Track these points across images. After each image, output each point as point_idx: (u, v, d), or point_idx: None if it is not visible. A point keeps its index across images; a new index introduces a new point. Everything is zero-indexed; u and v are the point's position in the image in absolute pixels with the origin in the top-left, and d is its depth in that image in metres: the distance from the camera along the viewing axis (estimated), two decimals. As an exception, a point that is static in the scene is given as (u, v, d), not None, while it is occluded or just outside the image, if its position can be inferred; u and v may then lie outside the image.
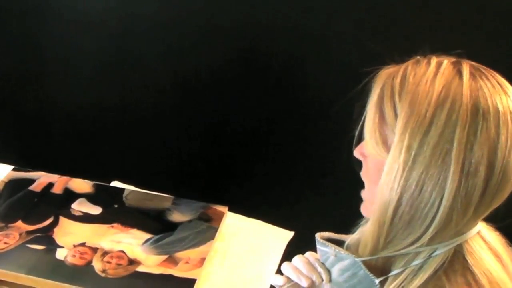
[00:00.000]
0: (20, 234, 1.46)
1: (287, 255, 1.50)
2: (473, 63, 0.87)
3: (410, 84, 0.84)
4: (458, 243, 0.87)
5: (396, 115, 0.84)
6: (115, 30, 1.93)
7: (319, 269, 1.00)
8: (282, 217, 1.58)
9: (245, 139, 2.02)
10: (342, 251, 0.94)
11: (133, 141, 2.11)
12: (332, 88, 1.74)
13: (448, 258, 0.87)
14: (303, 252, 1.10)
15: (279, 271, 1.43)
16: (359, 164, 0.97)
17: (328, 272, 0.99)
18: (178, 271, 1.39)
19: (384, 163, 0.85)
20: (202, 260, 1.43)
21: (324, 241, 0.97)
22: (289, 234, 1.56)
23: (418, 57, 0.90)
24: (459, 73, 0.84)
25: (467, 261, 0.88)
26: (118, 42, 1.95)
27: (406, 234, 0.85)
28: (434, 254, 0.86)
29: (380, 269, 0.91)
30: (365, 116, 0.91)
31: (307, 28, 1.79)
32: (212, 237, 1.49)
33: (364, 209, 0.97)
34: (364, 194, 0.96)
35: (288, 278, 1.05)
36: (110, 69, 2.01)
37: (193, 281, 1.36)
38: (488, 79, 0.84)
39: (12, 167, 1.69)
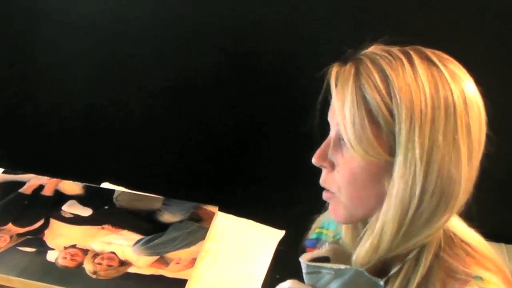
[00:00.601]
0: (11, 237, 1.45)
1: (278, 255, 1.50)
2: (427, 48, 0.89)
3: (396, 81, 0.83)
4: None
5: (392, 115, 0.83)
6: (107, 32, 1.93)
7: None
8: (273, 217, 1.58)
9: (235, 140, 2.02)
10: (341, 266, 0.92)
11: (123, 143, 2.10)
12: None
13: (442, 239, 0.89)
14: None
15: (270, 271, 1.43)
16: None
17: None
18: (169, 272, 1.39)
19: (378, 165, 0.86)
20: (193, 260, 1.43)
21: (316, 264, 0.95)
22: (280, 234, 1.56)
23: (371, 51, 0.90)
24: (431, 62, 0.86)
25: (457, 235, 0.91)
26: (109, 44, 1.95)
27: (428, 224, 0.86)
28: (426, 241, 0.87)
29: (380, 269, 0.91)
30: (335, 122, 0.91)
31: (300, 29, 1.79)
32: (203, 237, 1.49)
33: (341, 213, 0.94)
34: (338, 198, 0.94)
35: None
36: (101, 71, 2.00)
37: (184, 282, 1.36)
38: (451, 63, 0.87)
39: (2, 169, 1.69)
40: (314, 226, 1.13)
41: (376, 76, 0.85)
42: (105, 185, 1.69)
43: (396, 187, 0.84)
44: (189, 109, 2.00)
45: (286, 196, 1.98)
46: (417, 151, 0.82)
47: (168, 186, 1.91)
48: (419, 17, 1.71)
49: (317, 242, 1.10)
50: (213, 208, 1.59)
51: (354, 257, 0.93)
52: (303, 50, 1.83)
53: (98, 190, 1.65)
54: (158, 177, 2.10)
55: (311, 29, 1.79)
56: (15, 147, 2.18)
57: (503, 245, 1.97)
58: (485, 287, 0.85)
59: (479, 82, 0.88)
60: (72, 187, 1.64)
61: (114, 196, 1.62)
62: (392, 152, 0.84)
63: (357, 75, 0.87)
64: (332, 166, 0.93)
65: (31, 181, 1.65)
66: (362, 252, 0.91)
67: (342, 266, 0.92)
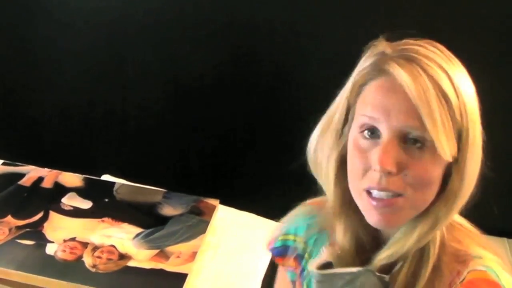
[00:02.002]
0: (10, 229, 1.44)
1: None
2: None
3: (455, 78, 0.83)
4: None
5: (461, 115, 0.82)
6: (108, 28, 1.93)
7: None
8: (274, 210, 1.57)
9: (237, 133, 2.01)
10: (353, 270, 0.90)
11: (124, 135, 2.10)
12: (324, 86, 1.74)
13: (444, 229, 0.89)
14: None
15: (271, 264, 1.42)
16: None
17: None
18: (169, 266, 1.38)
19: (444, 163, 0.83)
20: (194, 254, 1.41)
21: (330, 271, 0.93)
22: (281, 227, 1.55)
23: (403, 46, 0.86)
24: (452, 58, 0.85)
25: (454, 219, 0.91)
26: (111, 38, 1.95)
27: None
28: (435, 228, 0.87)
29: (387, 268, 0.89)
30: (394, 121, 0.82)
31: (301, 31, 1.79)
32: (203, 231, 1.48)
33: (401, 217, 0.87)
34: (401, 202, 0.85)
35: None
36: (102, 64, 2.00)
37: (184, 276, 1.35)
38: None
39: (1, 161, 1.67)
40: (276, 234, 1.09)
41: (440, 71, 0.81)
42: (106, 177, 1.68)
43: (462, 184, 0.85)
44: (191, 102, 1.99)
45: (287, 190, 1.97)
46: (476, 150, 0.84)
47: (169, 179, 1.90)
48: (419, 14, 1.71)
49: (284, 250, 1.06)
50: (214, 201, 1.57)
51: (378, 258, 0.89)
52: (302, 52, 1.82)
53: (98, 183, 1.64)
54: (159, 170, 2.10)
55: (311, 32, 1.78)
56: (15, 138, 2.18)
57: (505, 240, 1.97)
58: (487, 265, 0.86)
59: (479, 79, 0.87)
60: (72, 179, 1.63)
61: (114, 188, 1.61)
62: (457, 151, 0.83)
63: (424, 70, 0.81)
64: (400, 169, 0.83)
65: (31, 173, 1.63)
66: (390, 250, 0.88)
67: (354, 269, 0.90)
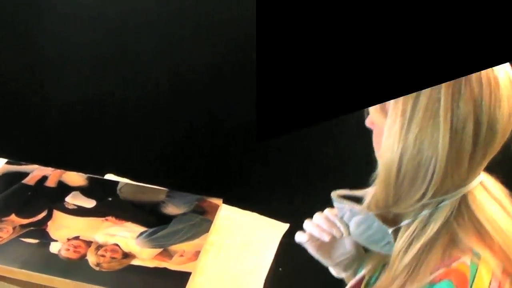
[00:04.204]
0: (14, 228, 1.45)
1: (282, 248, 1.50)
2: None
3: None
4: (463, 194, 0.93)
5: None
6: (111, 24, 1.92)
7: (338, 224, 1.06)
8: (277, 209, 1.58)
9: (240, 132, 2.01)
10: (356, 207, 1.01)
11: (128, 134, 2.10)
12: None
13: (456, 207, 0.93)
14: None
15: (274, 263, 1.43)
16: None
17: (347, 226, 1.05)
18: (172, 264, 1.38)
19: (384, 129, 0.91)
20: (197, 253, 1.42)
21: (339, 198, 1.04)
22: (284, 226, 1.56)
23: None
24: None
25: (474, 213, 0.93)
26: (114, 36, 1.95)
27: (412, 192, 0.91)
28: (441, 204, 0.92)
29: (392, 220, 0.98)
30: None
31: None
32: (207, 230, 1.49)
33: None
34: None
35: (311, 234, 1.11)
36: (105, 63, 2.00)
37: (188, 274, 1.36)
38: None
39: (5, 160, 1.68)
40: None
41: None
42: (109, 176, 1.68)
43: (382, 148, 0.91)
44: (193, 100, 1.99)
45: (290, 189, 1.97)
46: (399, 118, 0.88)
47: (172, 178, 1.90)
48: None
49: None
50: (217, 201, 1.58)
51: (365, 204, 1.02)
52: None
53: (102, 182, 1.64)
54: (162, 169, 2.10)
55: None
56: (19, 137, 2.18)
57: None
58: (477, 264, 0.89)
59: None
60: (75, 178, 1.63)
61: (118, 187, 1.61)
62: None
63: None
64: (373, 126, 0.99)
65: (35, 172, 1.64)
66: (367, 202, 1.01)
67: (356, 207, 1.01)
